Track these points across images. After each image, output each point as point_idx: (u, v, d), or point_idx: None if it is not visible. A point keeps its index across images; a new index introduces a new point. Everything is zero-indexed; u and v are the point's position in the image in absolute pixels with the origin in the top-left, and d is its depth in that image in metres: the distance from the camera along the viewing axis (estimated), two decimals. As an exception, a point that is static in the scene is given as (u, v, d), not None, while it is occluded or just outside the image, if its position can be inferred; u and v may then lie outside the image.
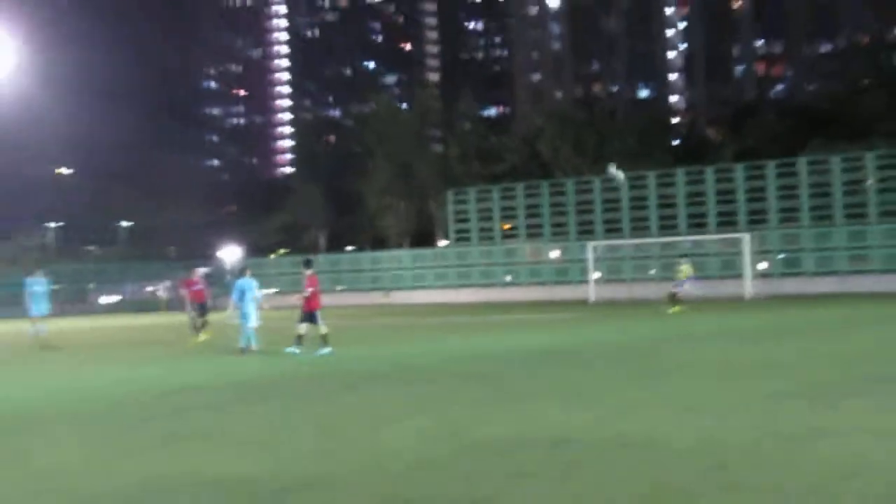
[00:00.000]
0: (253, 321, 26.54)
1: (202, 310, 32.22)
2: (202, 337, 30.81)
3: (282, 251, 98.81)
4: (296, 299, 26.62)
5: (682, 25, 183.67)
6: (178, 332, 34.57)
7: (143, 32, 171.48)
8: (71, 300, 65.03)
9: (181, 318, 37.70)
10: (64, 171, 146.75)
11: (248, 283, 26.98)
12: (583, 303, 55.10)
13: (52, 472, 11.19)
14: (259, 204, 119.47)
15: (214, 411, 16.30)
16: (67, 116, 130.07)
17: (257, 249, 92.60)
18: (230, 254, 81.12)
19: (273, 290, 57.11)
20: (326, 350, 24.96)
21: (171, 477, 10.58)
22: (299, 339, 25.42)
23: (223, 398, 17.63)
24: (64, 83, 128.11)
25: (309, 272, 26.58)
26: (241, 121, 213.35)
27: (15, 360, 27.87)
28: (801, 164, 64.44)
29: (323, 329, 25.47)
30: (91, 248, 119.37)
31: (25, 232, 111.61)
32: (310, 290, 25.85)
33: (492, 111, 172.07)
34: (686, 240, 60.84)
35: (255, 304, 26.81)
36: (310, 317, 25.64)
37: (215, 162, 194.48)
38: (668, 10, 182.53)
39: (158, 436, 13.70)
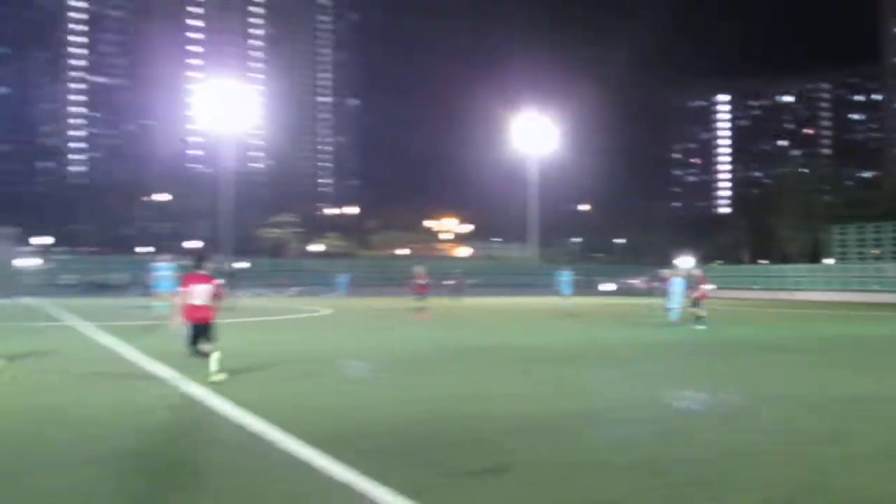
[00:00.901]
0: (676, 304, 25.55)
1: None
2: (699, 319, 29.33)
3: (718, 262, 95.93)
4: (695, 293, 25.05)
5: None
6: (648, 310, 33.47)
7: (633, 120, 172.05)
8: (584, 287, 66.43)
9: (650, 302, 37.23)
10: (584, 207, 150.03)
11: (679, 281, 26.09)
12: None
13: (589, 386, 11.47)
14: (703, 231, 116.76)
15: (661, 358, 16.38)
16: (588, 172, 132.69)
17: (703, 260, 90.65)
18: (685, 262, 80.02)
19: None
20: (702, 326, 23.68)
21: (627, 399, 10.68)
22: (700, 319, 24.27)
23: (659, 351, 17.35)
24: (586, 151, 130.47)
25: (699, 274, 25.87)
26: (694, 178, 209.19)
27: (551, 322, 28.35)
28: None
29: (703, 312, 24.34)
30: (598, 255, 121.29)
31: (559, 244, 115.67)
32: (704, 287, 24.95)
33: (866, 174, 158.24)
34: None
35: (680, 292, 25.61)
36: (695, 303, 24.72)
37: (677, 204, 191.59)
38: None
39: (624, 371, 14.14)
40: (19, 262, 76.97)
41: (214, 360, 11.22)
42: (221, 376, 11.17)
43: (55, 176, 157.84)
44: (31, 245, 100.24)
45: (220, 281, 12.24)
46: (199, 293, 11.36)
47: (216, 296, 11.55)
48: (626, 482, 6.10)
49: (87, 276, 64.93)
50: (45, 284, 64.21)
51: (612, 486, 6.00)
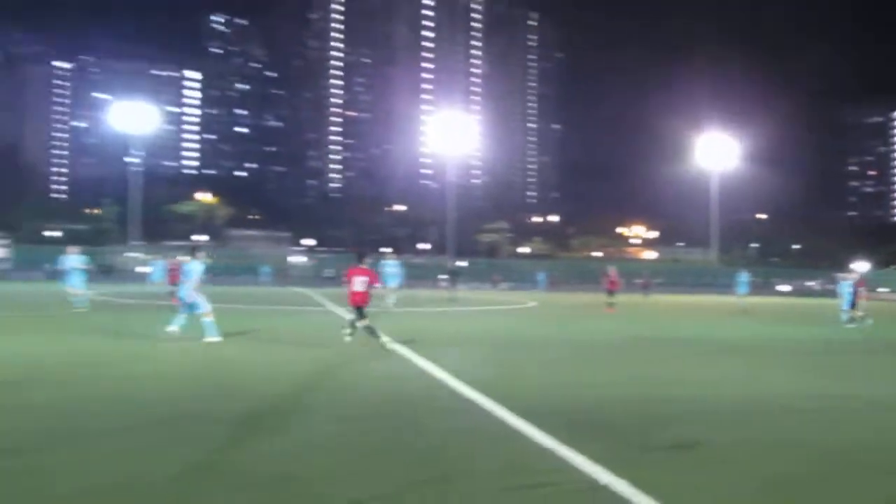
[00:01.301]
0: (847, 305, 22.63)
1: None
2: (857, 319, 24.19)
3: (893, 267, 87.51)
4: (860, 296, 22.50)
5: None
6: (820, 310, 30.87)
7: (812, 135, 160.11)
8: (761, 288, 62.53)
9: (823, 302, 34.34)
10: (762, 216, 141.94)
11: (849, 283, 23.12)
12: None
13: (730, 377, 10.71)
14: (880, 238, 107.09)
15: (832, 353, 15.07)
16: (767, 183, 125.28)
17: (878, 265, 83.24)
18: (860, 266, 73.78)
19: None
20: (869, 322, 21.42)
21: (800, 388, 9.66)
22: (861, 318, 21.79)
23: (830, 347, 16.07)
24: (765, 164, 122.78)
25: (858, 277, 23.57)
26: (871, 189, 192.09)
27: (728, 319, 26.78)
28: None
29: (860, 313, 21.87)
30: (775, 259, 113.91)
31: (738, 248, 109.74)
32: (860, 288, 22.49)
33: None
34: None
35: (849, 294, 22.70)
36: (853, 304, 22.29)
37: (853, 213, 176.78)
38: None
39: (795, 363, 13.05)
40: (291, 259, 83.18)
41: (374, 331, 12.39)
42: (387, 339, 12.28)
43: (318, 191, 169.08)
44: (300, 246, 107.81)
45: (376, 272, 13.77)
46: (359, 282, 12.47)
47: (371, 284, 12.67)
48: (804, 462, 5.68)
49: (342, 270, 68.92)
50: (311, 276, 68.85)
51: (791, 464, 5.59)
